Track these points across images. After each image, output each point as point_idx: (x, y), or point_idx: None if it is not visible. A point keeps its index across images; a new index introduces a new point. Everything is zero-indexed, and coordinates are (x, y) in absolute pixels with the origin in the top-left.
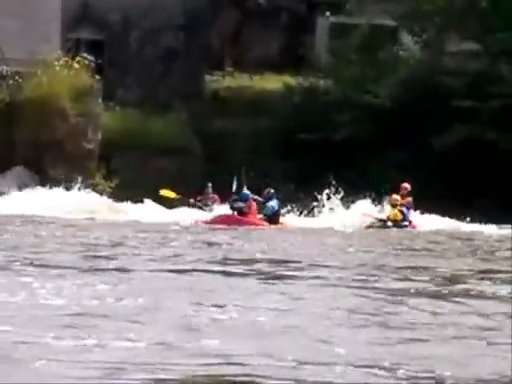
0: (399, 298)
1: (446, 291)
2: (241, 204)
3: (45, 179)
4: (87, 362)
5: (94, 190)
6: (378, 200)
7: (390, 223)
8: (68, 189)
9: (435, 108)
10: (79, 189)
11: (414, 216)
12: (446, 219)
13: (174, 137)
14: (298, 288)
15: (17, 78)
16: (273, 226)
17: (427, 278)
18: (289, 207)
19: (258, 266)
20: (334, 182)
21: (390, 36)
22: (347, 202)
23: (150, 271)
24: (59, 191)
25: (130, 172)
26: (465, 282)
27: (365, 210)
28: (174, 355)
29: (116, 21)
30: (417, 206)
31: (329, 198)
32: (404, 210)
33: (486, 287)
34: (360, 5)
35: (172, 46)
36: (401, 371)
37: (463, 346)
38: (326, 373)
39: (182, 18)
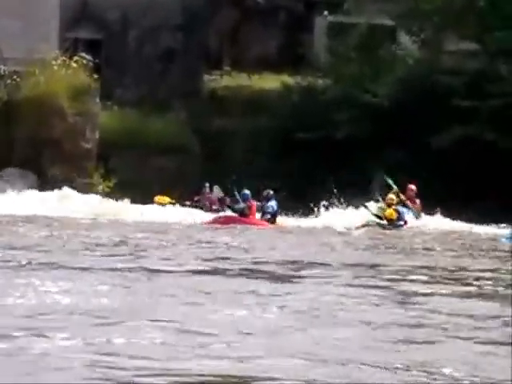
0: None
1: (445, 291)
2: (241, 205)
3: (43, 178)
4: (89, 362)
5: (92, 189)
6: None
7: (385, 222)
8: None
9: (434, 107)
10: (78, 188)
11: (422, 218)
12: (446, 219)
13: (172, 136)
14: (302, 287)
15: (15, 77)
16: (272, 226)
17: (425, 278)
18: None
19: (260, 266)
20: (332, 185)
21: (388, 35)
22: (345, 201)
23: (151, 271)
24: (59, 191)
25: (128, 171)
26: (465, 282)
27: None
28: (179, 356)
29: (114, 19)
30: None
31: (327, 208)
32: (399, 209)
33: (487, 287)
34: (358, 4)
35: (170, 46)
36: (413, 372)
37: (463, 345)
38: (334, 373)
39: (180, 17)
